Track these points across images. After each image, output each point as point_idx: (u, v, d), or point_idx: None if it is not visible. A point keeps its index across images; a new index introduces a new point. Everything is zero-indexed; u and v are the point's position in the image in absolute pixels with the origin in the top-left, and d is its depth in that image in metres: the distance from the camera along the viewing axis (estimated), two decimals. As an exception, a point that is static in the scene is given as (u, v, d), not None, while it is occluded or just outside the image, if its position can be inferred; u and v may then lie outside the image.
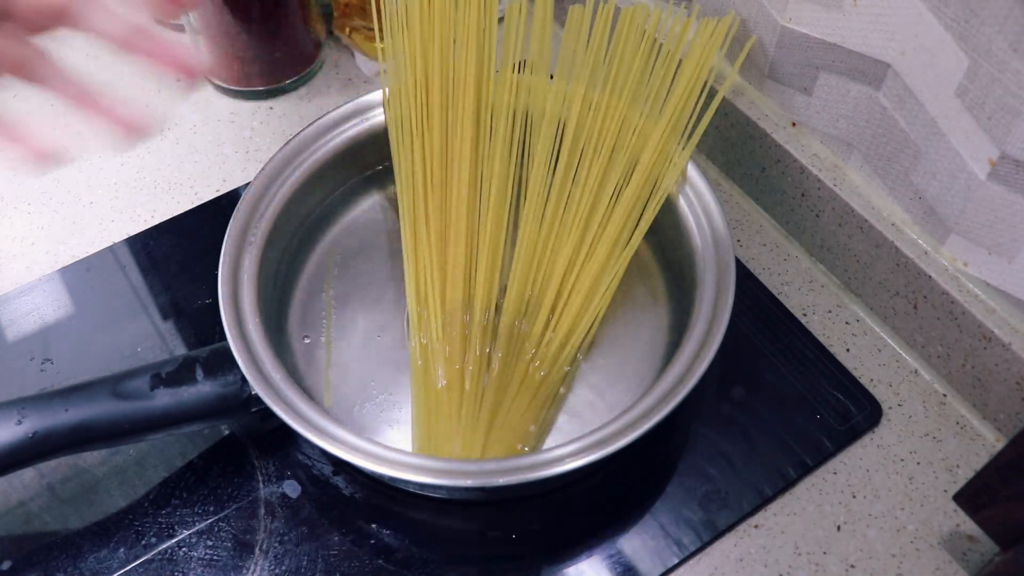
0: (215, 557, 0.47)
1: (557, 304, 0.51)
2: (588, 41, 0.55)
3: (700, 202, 0.51)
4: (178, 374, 0.46)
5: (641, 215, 0.52)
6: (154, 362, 0.46)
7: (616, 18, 0.55)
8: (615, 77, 0.53)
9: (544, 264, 0.52)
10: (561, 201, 0.52)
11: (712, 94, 0.53)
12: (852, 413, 0.52)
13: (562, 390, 0.50)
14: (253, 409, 0.46)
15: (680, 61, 0.53)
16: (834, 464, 0.50)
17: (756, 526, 0.48)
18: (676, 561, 0.47)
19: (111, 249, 0.60)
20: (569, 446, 0.42)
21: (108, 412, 0.44)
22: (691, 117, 0.52)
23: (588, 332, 0.50)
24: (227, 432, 0.51)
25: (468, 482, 0.41)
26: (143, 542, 0.48)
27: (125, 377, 0.45)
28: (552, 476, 0.41)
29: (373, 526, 0.48)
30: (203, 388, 0.45)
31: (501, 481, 0.41)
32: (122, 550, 0.47)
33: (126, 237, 0.61)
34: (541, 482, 0.41)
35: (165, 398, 0.45)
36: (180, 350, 0.55)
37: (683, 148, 0.52)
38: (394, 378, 0.51)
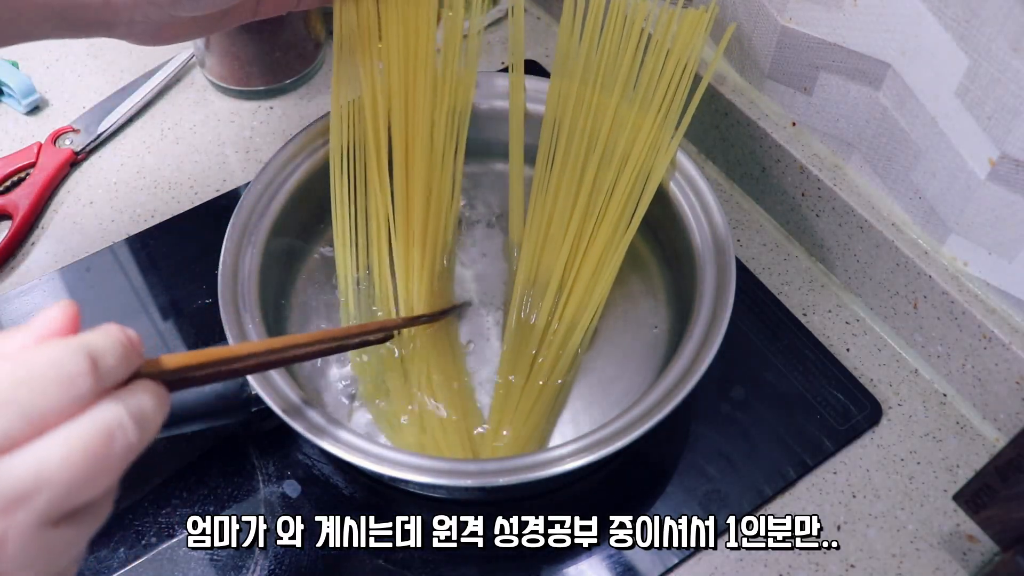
0: (215, 557, 0.47)
1: (560, 294, 0.51)
2: (582, 34, 0.55)
3: (700, 202, 0.51)
4: (178, 374, 0.46)
5: (638, 203, 0.52)
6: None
7: (607, 10, 0.55)
8: (606, 68, 0.53)
9: (547, 256, 0.52)
10: (559, 193, 0.53)
11: (695, 82, 0.53)
12: (852, 413, 0.52)
13: (564, 388, 0.50)
14: (253, 409, 0.46)
15: (668, 51, 0.53)
16: (834, 464, 0.50)
17: (756, 526, 0.48)
18: (676, 561, 0.47)
19: (111, 249, 0.60)
20: (569, 446, 0.42)
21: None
22: (681, 105, 0.52)
23: (591, 321, 0.51)
24: (227, 432, 0.51)
25: (468, 482, 0.41)
26: (143, 542, 0.48)
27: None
28: (552, 476, 0.41)
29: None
30: (203, 387, 0.45)
31: (502, 481, 0.41)
32: (122, 550, 0.47)
33: (126, 237, 0.61)
34: (541, 482, 0.41)
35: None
36: (180, 350, 0.55)
37: (672, 136, 0.52)
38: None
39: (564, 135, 0.53)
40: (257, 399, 0.44)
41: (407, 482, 0.46)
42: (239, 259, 0.49)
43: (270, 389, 0.44)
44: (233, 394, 0.46)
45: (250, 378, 0.44)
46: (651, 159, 0.52)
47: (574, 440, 0.42)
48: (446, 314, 0.52)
